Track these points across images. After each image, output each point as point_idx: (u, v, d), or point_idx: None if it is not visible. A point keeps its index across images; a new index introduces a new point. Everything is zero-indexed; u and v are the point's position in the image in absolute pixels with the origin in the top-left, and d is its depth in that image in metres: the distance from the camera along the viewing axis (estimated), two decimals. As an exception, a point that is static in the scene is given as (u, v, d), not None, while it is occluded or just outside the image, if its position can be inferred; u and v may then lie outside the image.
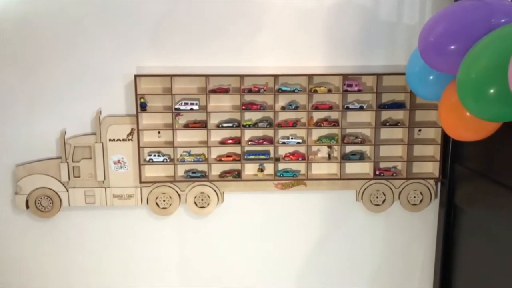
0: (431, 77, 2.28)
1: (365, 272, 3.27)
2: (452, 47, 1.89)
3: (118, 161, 2.98)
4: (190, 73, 2.89)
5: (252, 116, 2.98)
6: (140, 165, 2.95)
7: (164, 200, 3.04)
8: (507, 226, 2.37)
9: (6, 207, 3.08)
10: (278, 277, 3.26)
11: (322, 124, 2.97)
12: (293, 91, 2.92)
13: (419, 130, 3.02)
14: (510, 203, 2.34)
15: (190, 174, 3.01)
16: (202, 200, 3.05)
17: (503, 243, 2.46)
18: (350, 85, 2.90)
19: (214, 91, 2.91)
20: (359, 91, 2.92)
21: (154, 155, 2.98)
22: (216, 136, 3.00)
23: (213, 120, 2.98)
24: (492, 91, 1.69)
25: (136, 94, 2.86)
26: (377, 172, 3.02)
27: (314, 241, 3.21)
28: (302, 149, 3.02)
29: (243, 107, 2.92)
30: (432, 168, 3.05)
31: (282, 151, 3.04)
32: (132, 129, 2.94)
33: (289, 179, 3.03)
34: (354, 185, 3.06)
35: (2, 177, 3.03)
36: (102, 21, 2.86)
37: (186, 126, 2.96)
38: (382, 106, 2.96)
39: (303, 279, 3.27)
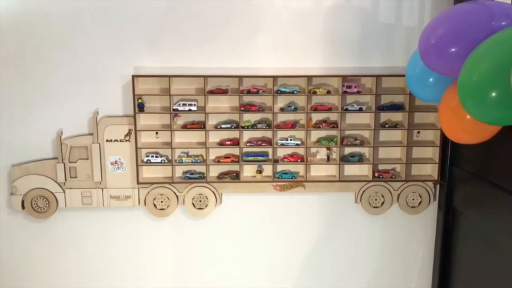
0: (431, 79, 2.26)
1: (363, 274, 3.26)
2: (453, 49, 1.88)
3: (116, 162, 2.96)
4: (188, 74, 2.87)
5: (250, 117, 2.97)
6: (137, 166, 2.93)
7: (161, 201, 3.02)
8: (506, 229, 2.36)
9: (1, 207, 3.05)
10: (276, 279, 3.25)
11: (321, 126, 2.95)
12: (292, 92, 2.90)
13: (418, 132, 3.01)
14: (509, 206, 2.33)
15: (188, 175, 3.00)
16: (200, 201, 3.03)
17: (501, 246, 2.45)
18: (349, 87, 2.89)
19: (212, 92, 2.89)
20: (358, 92, 2.91)
21: (152, 156, 2.96)
22: (215, 137, 2.99)
23: (212, 121, 2.96)
24: (493, 94, 1.68)
25: (134, 95, 2.84)
26: (376, 174, 3.01)
27: (313, 243, 3.19)
28: (301, 151, 3.00)
29: (242, 108, 2.90)
30: (431, 170, 3.05)
31: (281, 152, 3.02)
32: (129, 130, 2.92)
33: (288, 181, 3.02)
34: (352, 187, 3.05)
35: (-2, 177, 3.01)
36: (99, 21, 2.84)
37: (184, 127, 2.94)
38: (381, 108, 2.95)
39: (301, 280, 3.25)
